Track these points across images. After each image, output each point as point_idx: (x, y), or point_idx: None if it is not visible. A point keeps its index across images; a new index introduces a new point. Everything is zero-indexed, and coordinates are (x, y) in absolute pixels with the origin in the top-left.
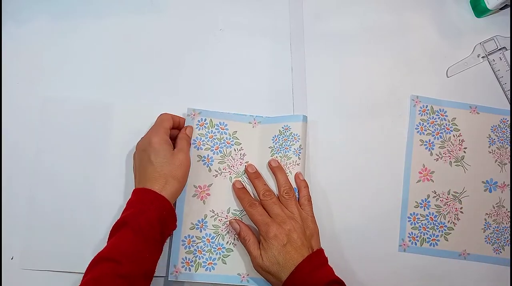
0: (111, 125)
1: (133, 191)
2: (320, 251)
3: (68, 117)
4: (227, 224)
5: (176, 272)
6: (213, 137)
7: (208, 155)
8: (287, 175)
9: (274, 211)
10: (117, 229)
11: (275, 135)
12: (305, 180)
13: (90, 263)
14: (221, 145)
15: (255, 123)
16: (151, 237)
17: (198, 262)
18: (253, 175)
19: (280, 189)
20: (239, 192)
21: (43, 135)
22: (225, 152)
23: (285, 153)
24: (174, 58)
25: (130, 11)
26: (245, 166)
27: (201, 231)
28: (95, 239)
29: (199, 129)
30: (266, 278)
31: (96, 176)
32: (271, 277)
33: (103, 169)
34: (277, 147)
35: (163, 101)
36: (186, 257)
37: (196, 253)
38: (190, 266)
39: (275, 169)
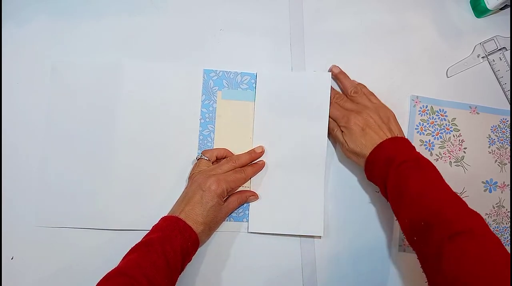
0: (112, 119)
1: (166, 217)
2: (405, 139)
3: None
4: None
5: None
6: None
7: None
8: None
9: (348, 106)
10: (140, 248)
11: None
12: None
13: (106, 275)
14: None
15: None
16: (173, 265)
17: None
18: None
19: (347, 91)
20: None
21: (48, 143)
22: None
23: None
24: (174, 58)
25: (130, 11)
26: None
27: None
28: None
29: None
30: (354, 159)
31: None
32: (356, 157)
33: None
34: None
35: None
36: None
37: None
38: None
39: (338, 74)
